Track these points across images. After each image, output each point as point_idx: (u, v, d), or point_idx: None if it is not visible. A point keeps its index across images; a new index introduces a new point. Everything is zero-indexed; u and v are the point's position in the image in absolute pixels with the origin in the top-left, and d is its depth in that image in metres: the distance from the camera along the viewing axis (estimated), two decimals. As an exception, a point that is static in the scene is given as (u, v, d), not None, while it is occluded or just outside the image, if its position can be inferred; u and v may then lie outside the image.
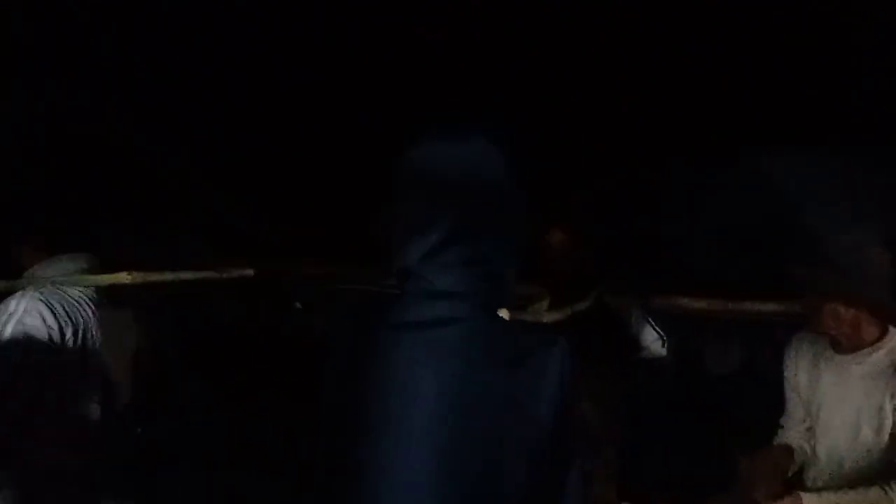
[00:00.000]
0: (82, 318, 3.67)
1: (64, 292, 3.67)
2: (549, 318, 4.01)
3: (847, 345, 3.82)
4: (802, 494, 3.63)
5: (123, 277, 3.61)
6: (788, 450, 3.99)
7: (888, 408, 3.71)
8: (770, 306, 4.91)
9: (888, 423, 3.71)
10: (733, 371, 5.67)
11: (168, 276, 3.78)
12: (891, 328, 3.81)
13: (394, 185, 2.49)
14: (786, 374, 4.08)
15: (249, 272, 3.83)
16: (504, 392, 2.33)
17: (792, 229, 4.45)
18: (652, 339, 4.89)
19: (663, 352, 4.87)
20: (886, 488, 3.59)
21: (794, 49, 5.02)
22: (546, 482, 2.35)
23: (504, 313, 2.79)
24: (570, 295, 4.65)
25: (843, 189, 4.28)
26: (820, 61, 4.98)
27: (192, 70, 5.08)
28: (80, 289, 3.72)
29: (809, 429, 4.00)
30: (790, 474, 3.88)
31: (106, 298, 3.80)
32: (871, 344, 3.78)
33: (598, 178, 5.52)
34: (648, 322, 4.92)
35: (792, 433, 4.07)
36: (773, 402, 4.17)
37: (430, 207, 2.43)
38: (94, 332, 3.71)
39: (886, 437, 3.71)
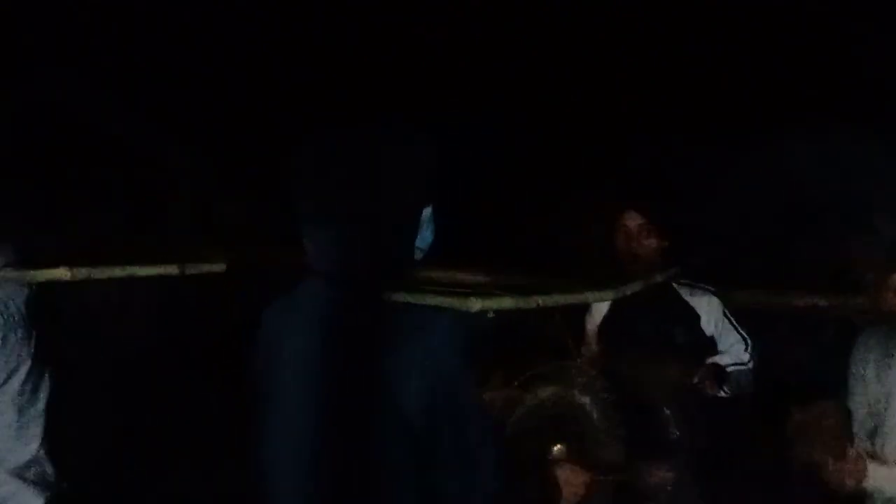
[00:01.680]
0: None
1: None
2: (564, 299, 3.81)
3: None
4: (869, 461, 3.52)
5: (62, 273, 3.30)
6: (843, 408, 3.77)
7: None
8: (825, 300, 4.86)
9: None
10: (786, 367, 5.21)
11: (118, 272, 3.42)
12: None
13: (292, 172, 2.62)
14: (852, 368, 3.86)
15: (220, 267, 3.38)
16: (376, 374, 2.42)
17: (850, 207, 4.48)
18: (733, 342, 4.59)
19: (745, 357, 4.56)
20: None
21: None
22: (438, 463, 2.44)
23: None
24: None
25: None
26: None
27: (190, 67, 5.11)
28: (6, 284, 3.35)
29: (871, 432, 3.75)
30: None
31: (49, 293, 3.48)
32: None
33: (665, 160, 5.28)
34: (730, 322, 4.62)
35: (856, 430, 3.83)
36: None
37: (317, 192, 2.56)
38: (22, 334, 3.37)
39: None
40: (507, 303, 3.07)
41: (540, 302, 3.17)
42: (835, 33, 5.41)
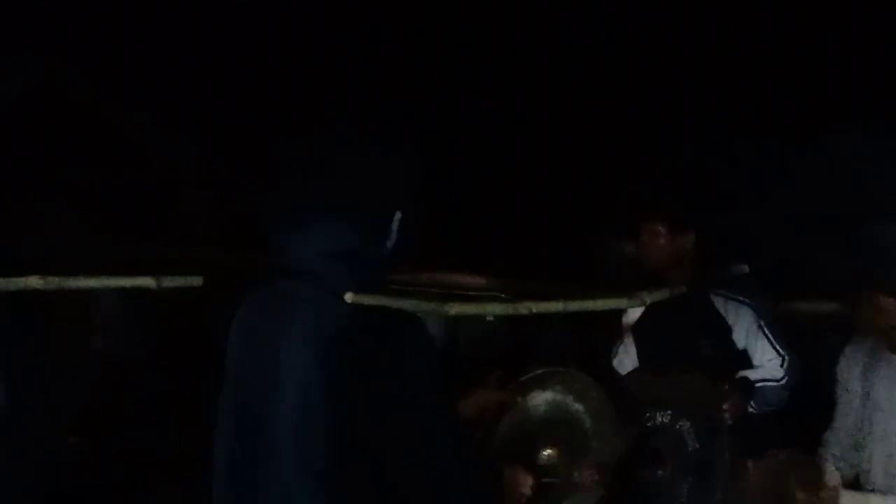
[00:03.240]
0: None
1: None
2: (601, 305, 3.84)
3: None
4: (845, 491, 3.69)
5: (34, 282, 3.22)
6: (805, 463, 3.83)
7: None
8: (820, 306, 4.82)
9: None
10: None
11: (91, 283, 3.36)
12: None
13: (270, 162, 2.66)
14: (838, 379, 4.00)
15: (197, 280, 3.26)
16: (338, 376, 2.41)
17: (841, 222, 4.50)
18: (769, 357, 4.46)
19: (779, 373, 4.42)
20: None
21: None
22: (402, 471, 2.42)
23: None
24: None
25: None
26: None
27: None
28: None
29: (857, 445, 3.85)
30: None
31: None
32: None
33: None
34: (765, 335, 4.48)
35: (835, 447, 3.96)
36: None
37: (289, 186, 2.58)
38: None
39: None
40: (494, 308, 2.99)
41: (533, 309, 3.07)
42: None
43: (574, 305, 3.47)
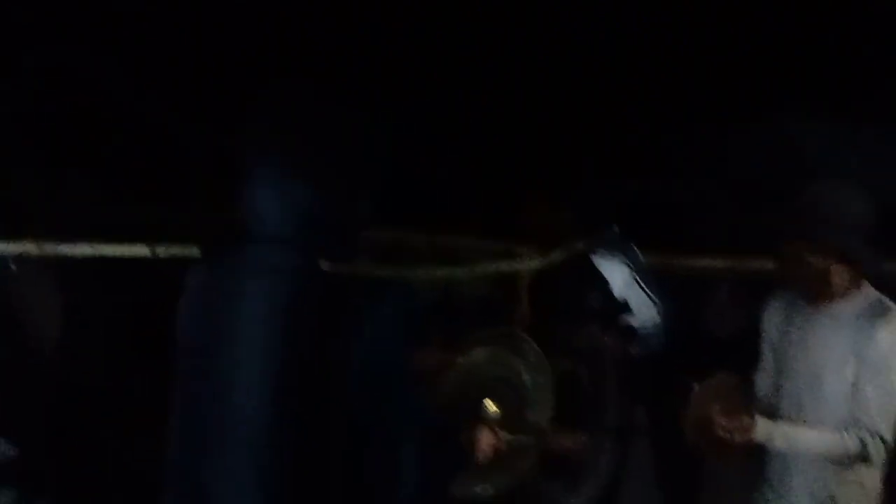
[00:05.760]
0: None
1: None
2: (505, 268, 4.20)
3: (816, 296, 3.90)
4: (758, 418, 3.78)
5: (30, 248, 3.30)
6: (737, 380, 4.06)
7: (851, 362, 3.81)
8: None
9: (850, 378, 3.81)
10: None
11: (86, 250, 3.39)
12: (864, 282, 3.89)
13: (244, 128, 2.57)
14: (763, 327, 4.16)
15: (196, 251, 3.16)
16: (317, 346, 2.40)
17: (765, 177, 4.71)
18: (641, 303, 4.91)
19: (653, 316, 4.89)
20: (844, 434, 3.75)
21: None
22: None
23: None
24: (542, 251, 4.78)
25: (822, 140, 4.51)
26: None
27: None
28: None
29: (776, 388, 4.06)
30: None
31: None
32: (840, 296, 3.86)
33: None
34: (638, 284, 4.93)
35: (760, 388, 4.13)
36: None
37: (263, 150, 2.51)
38: None
39: (848, 392, 3.81)
40: (459, 273, 3.29)
41: (478, 270, 3.39)
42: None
43: (504, 266, 3.81)
